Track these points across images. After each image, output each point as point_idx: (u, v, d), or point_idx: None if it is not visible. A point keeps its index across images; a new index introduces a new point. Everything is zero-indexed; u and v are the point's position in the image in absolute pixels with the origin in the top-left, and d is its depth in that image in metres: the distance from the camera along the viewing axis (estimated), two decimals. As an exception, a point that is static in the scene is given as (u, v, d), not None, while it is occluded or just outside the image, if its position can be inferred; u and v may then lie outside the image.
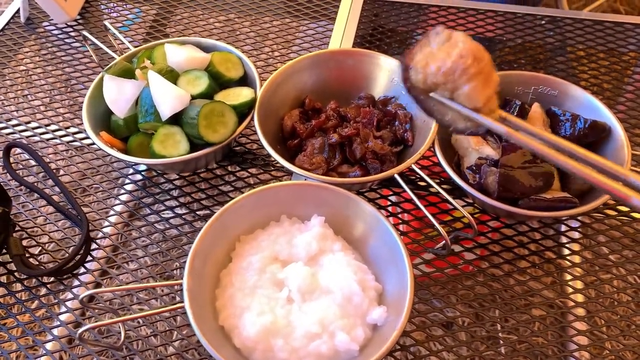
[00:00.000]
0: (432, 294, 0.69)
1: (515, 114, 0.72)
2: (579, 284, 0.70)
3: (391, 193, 0.80)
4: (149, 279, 0.72)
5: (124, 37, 0.90)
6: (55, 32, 1.04)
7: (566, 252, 0.73)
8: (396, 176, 0.68)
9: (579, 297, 0.69)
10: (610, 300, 0.68)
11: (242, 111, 0.75)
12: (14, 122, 0.90)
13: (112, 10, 1.09)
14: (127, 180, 0.83)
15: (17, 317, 0.69)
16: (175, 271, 0.78)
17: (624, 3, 1.89)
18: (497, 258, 0.72)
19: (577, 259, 0.72)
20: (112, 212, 0.81)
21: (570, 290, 0.70)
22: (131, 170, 0.84)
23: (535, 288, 0.69)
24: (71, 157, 0.87)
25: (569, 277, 0.70)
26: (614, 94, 0.90)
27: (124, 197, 0.82)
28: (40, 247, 0.75)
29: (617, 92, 0.91)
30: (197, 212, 0.78)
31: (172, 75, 0.76)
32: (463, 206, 0.66)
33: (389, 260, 0.62)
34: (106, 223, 0.79)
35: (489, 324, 0.70)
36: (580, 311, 0.67)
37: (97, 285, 0.74)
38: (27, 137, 0.88)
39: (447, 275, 0.71)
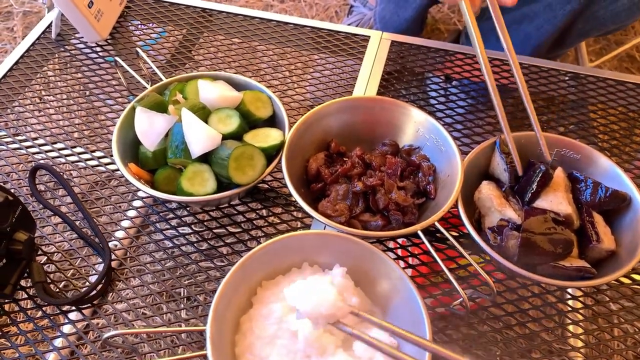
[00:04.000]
0: (436, 331, 0.71)
1: (538, 178, 0.73)
2: (584, 351, 0.71)
3: (408, 244, 0.81)
4: (155, 298, 0.74)
5: (152, 62, 0.91)
6: (85, 50, 1.05)
7: (575, 317, 0.74)
8: (419, 232, 0.70)
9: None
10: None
11: (270, 153, 0.76)
12: (40, 141, 0.91)
13: (141, 31, 1.11)
14: (136, 197, 0.85)
15: (35, 345, 0.69)
16: (180, 290, 0.78)
17: None
18: (510, 318, 0.73)
19: (585, 325, 0.73)
20: (118, 228, 0.83)
21: (576, 355, 0.71)
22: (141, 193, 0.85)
23: (542, 350, 0.70)
24: (87, 175, 0.88)
25: (579, 343, 0.71)
26: (632, 157, 0.92)
27: (131, 213, 0.83)
28: (60, 273, 0.76)
29: (633, 155, 0.93)
30: (201, 233, 0.80)
31: (203, 112, 0.77)
32: (479, 263, 0.67)
33: (407, 320, 0.62)
34: (112, 239, 0.80)
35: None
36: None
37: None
38: (53, 157, 0.89)
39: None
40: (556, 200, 0.73)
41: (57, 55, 1.05)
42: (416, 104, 0.98)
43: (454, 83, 1.04)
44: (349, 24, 1.74)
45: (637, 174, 0.88)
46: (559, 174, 0.76)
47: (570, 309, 0.74)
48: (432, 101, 0.99)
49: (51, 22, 1.06)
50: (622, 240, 0.72)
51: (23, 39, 1.06)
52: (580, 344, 0.71)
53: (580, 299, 0.75)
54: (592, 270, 0.67)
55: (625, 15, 1.09)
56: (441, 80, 1.03)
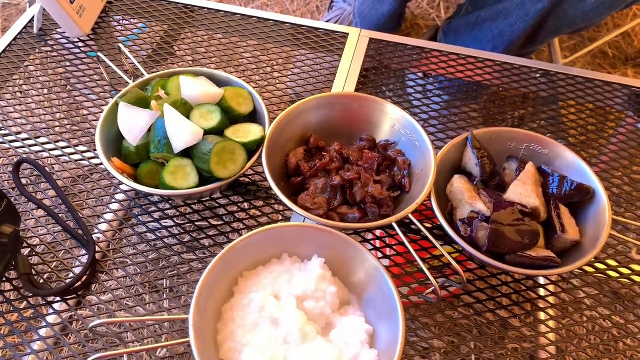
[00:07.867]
0: (412, 319, 0.74)
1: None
2: (552, 337, 0.75)
3: (385, 235, 0.84)
4: (138, 289, 0.76)
5: (134, 57, 0.93)
6: (68, 45, 1.06)
7: (544, 304, 0.78)
8: (394, 224, 0.73)
9: (552, 349, 0.74)
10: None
11: (251, 148, 0.78)
12: (24, 135, 0.92)
13: (122, 27, 1.12)
14: (118, 190, 0.87)
15: (22, 335, 0.71)
16: (163, 281, 0.80)
17: (612, 47, 1.96)
18: (482, 306, 0.77)
19: (553, 312, 0.77)
20: (102, 221, 0.84)
21: (545, 341, 0.75)
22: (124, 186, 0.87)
23: (512, 337, 0.74)
24: (70, 168, 0.89)
25: (544, 329, 0.75)
26: (599, 152, 0.96)
27: (114, 206, 0.85)
28: (45, 265, 0.78)
29: (600, 150, 0.97)
30: (184, 226, 0.82)
31: (185, 108, 0.79)
32: (451, 254, 0.71)
33: (382, 307, 0.66)
34: (95, 231, 0.82)
35: (465, 353, 0.74)
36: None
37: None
38: (36, 152, 0.90)
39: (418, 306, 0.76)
40: (525, 194, 0.76)
41: (38, 50, 1.06)
42: (393, 100, 1.01)
43: (429, 80, 1.07)
44: (329, 19, 1.76)
45: (603, 169, 0.92)
46: (529, 168, 0.79)
47: (537, 296, 0.78)
48: (409, 97, 1.02)
49: (33, 17, 1.07)
50: (585, 231, 0.76)
51: (2, 31, 1.07)
52: (548, 330, 0.75)
53: (549, 287, 0.79)
54: (557, 259, 0.71)
55: (594, 15, 1.14)
56: (418, 77, 1.06)
